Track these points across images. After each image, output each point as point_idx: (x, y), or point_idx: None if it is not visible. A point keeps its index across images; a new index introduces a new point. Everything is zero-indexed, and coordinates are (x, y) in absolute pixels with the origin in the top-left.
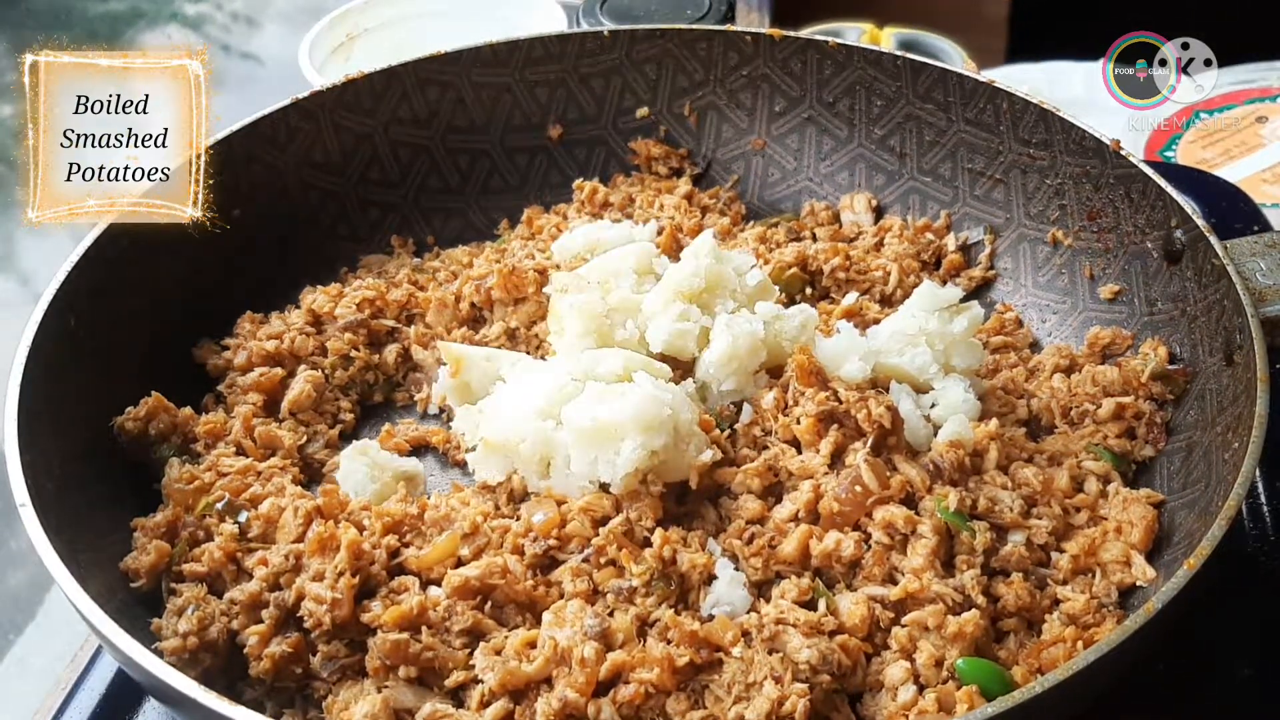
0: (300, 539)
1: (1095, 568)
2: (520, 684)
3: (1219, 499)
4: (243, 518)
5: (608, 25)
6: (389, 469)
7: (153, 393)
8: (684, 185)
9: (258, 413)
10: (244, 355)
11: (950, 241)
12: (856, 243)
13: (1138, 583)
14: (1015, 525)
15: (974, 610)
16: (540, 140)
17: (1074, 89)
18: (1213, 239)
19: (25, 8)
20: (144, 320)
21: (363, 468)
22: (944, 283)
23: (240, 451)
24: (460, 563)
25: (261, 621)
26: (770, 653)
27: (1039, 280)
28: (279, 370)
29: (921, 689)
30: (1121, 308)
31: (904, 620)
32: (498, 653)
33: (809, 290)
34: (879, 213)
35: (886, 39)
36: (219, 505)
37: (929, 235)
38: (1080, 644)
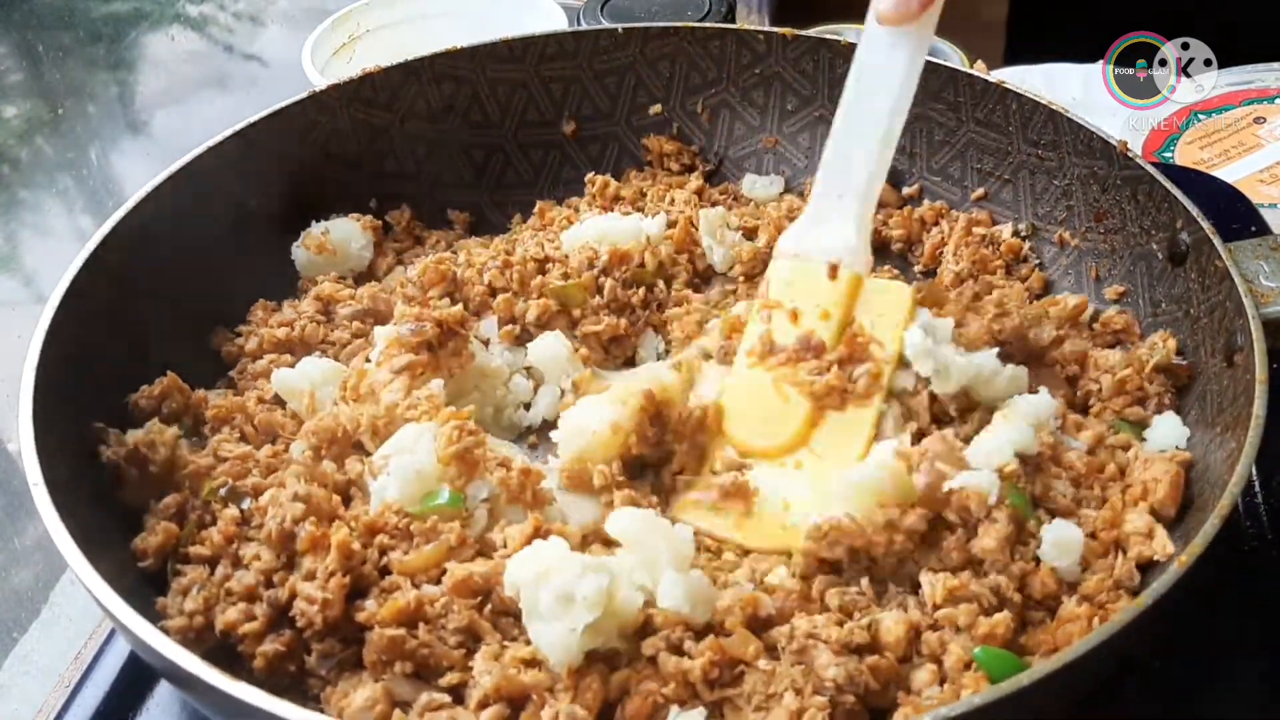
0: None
1: (1117, 541)
2: (517, 692)
3: (1215, 497)
4: (246, 504)
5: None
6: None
7: (168, 372)
8: (695, 181)
9: (264, 399)
10: (255, 342)
11: (1005, 230)
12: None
13: (1155, 557)
14: (1068, 513)
15: (1005, 612)
16: (554, 136)
17: (1072, 91)
18: (1216, 241)
19: (28, 8)
20: (162, 307)
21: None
22: (1007, 269)
23: (244, 438)
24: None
25: (255, 619)
26: (795, 665)
27: (1046, 280)
28: (288, 357)
29: (941, 685)
30: (1126, 308)
31: (936, 617)
32: (496, 659)
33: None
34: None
35: None
36: (221, 490)
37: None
38: (1096, 621)
